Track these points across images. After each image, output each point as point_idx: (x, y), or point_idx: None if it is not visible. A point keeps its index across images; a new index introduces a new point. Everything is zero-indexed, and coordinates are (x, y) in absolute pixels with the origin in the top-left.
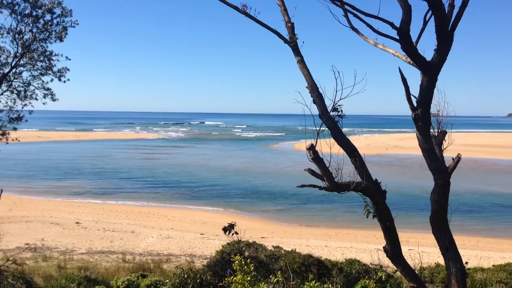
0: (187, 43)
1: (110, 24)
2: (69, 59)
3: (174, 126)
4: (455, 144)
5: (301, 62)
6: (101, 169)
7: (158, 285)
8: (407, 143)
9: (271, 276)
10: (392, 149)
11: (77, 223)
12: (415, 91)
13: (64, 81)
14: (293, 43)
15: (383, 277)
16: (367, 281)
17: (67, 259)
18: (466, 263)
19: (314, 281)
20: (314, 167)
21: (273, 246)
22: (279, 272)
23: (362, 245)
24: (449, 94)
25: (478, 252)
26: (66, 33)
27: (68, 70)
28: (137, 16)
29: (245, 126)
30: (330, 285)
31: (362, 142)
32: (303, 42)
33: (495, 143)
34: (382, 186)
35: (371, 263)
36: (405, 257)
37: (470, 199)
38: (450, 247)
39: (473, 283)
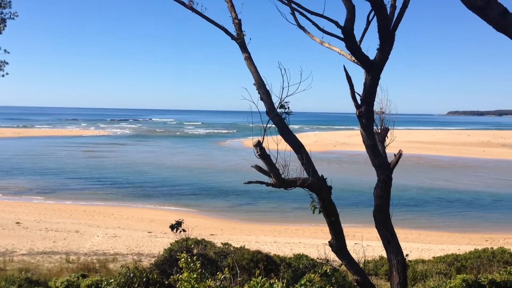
0: (136, 38)
1: (53, 19)
2: (8, 52)
3: (121, 123)
4: (400, 141)
5: (249, 59)
6: (43, 167)
7: (100, 285)
8: (354, 140)
9: (218, 273)
10: (340, 146)
11: (17, 223)
12: (360, 89)
13: (3, 75)
14: (240, 40)
15: (328, 270)
16: (312, 275)
17: (6, 260)
18: (407, 255)
19: (260, 277)
20: (261, 163)
21: (222, 243)
22: (226, 268)
23: (310, 240)
24: (393, 93)
25: (420, 244)
26: (5, 25)
27: (7, 63)
28: (86, 12)
29: (195, 123)
30: (276, 280)
31: (311, 139)
32: (250, 39)
33: (436, 140)
34: (329, 182)
35: (318, 258)
36: (351, 251)
37: (413, 194)
38: (392, 240)
39: (415, 274)
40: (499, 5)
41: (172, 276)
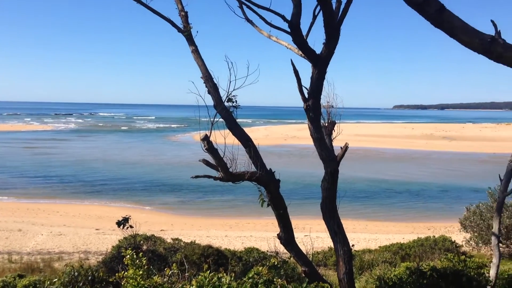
0: (82, 29)
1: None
2: None
3: (66, 117)
4: (348, 134)
5: (196, 52)
6: None
7: (38, 285)
8: (304, 134)
9: (166, 269)
10: (290, 140)
11: None
12: (307, 83)
13: None
14: (187, 32)
15: (276, 263)
16: (260, 268)
17: None
18: (353, 245)
19: (209, 272)
20: (209, 158)
21: (172, 239)
22: (174, 264)
23: (261, 233)
24: (342, 87)
25: (367, 235)
26: None
27: None
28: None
29: (144, 117)
30: (224, 274)
31: (262, 133)
32: (197, 31)
33: (383, 133)
34: (279, 175)
35: (268, 251)
36: (301, 243)
37: (361, 186)
38: (338, 231)
39: (362, 264)
40: (437, 2)
41: (117, 274)
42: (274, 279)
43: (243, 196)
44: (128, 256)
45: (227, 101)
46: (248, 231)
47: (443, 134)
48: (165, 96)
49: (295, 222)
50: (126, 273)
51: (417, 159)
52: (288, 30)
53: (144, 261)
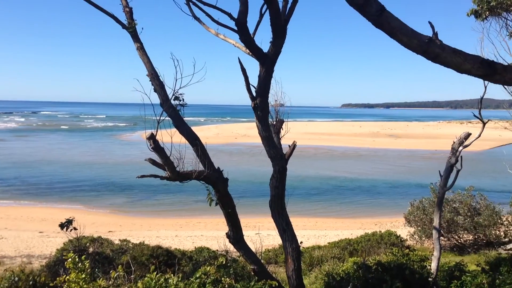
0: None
1: None
2: None
3: (8, 116)
4: (298, 133)
5: (141, 49)
6: None
7: None
8: (255, 132)
9: (111, 271)
10: (241, 138)
11: None
12: (255, 81)
13: None
14: (131, 29)
15: (225, 262)
16: (208, 268)
17: None
18: (301, 242)
19: (155, 273)
20: (156, 157)
21: (120, 240)
22: (120, 266)
23: (212, 232)
24: (293, 86)
25: (317, 231)
26: None
27: None
28: None
29: (91, 116)
30: (172, 275)
31: (212, 131)
32: (142, 28)
33: (332, 131)
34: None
35: (217, 250)
36: (252, 241)
37: (311, 183)
38: (287, 229)
39: (311, 260)
40: (377, 3)
41: (58, 278)
42: (222, 278)
43: (194, 195)
44: (70, 259)
45: (174, 99)
46: (199, 230)
47: (389, 132)
48: (117, 94)
49: (247, 221)
50: (68, 277)
51: (365, 156)
52: (235, 28)
53: (87, 264)
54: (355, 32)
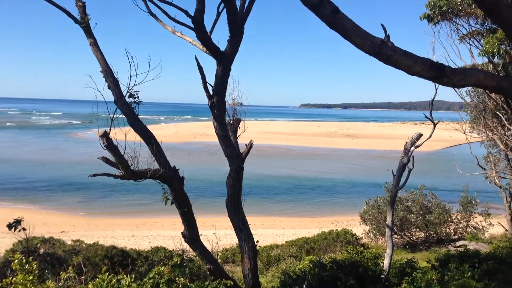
0: None
1: None
2: None
3: None
4: (258, 132)
5: (94, 45)
6: None
7: None
8: (214, 131)
9: (61, 273)
10: (199, 137)
11: None
12: (213, 79)
13: None
14: (84, 24)
15: (179, 261)
16: (162, 268)
17: None
18: (258, 241)
19: (107, 273)
20: (110, 155)
21: (73, 240)
22: (70, 267)
23: (170, 232)
24: (252, 86)
25: (274, 230)
26: None
27: None
28: None
29: (46, 113)
30: (124, 275)
31: (171, 130)
32: (96, 23)
33: (291, 131)
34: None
35: (174, 250)
36: (209, 240)
37: (270, 183)
38: (243, 228)
39: (269, 259)
40: (331, 4)
41: (4, 280)
42: (177, 278)
43: (152, 194)
44: (17, 260)
45: (129, 97)
46: (156, 230)
47: (346, 132)
48: (74, 91)
49: (204, 220)
50: (14, 278)
51: (323, 156)
52: (192, 26)
53: (35, 265)
54: (313, 33)
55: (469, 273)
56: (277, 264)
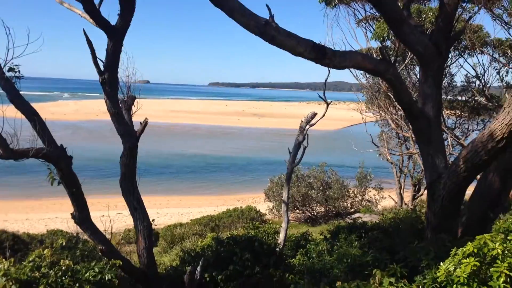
0: None
1: None
2: None
3: None
4: (165, 110)
5: None
6: None
7: None
8: None
9: None
10: (102, 115)
11: None
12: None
13: None
14: None
15: (63, 243)
16: (44, 250)
17: None
18: (153, 220)
19: None
20: None
21: None
22: None
23: (68, 214)
24: (158, 63)
25: (180, 209)
26: None
27: None
28: None
29: None
30: (3, 260)
31: (71, 107)
32: None
33: (199, 109)
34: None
35: (72, 232)
36: (102, 221)
37: (175, 162)
38: (138, 207)
39: (173, 238)
40: None
41: None
42: (61, 261)
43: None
44: None
45: (8, 71)
46: (54, 212)
47: (254, 111)
48: None
49: (98, 200)
50: None
51: (232, 134)
52: None
53: None
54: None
55: (355, 243)
56: (181, 242)
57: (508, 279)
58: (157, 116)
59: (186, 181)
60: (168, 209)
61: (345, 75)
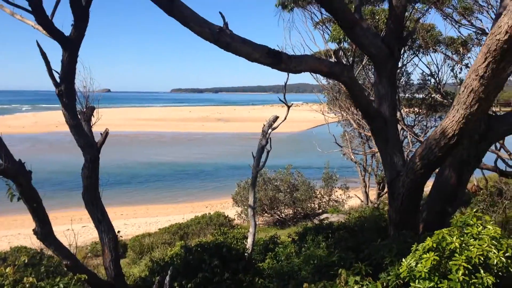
0: None
1: None
2: None
3: None
4: (128, 119)
5: None
6: None
7: None
8: None
9: None
10: (62, 126)
11: None
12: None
13: None
14: None
15: (26, 260)
16: (5, 269)
17: None
18: (119, 232)
19: None
20: None
21: None
22: None
23: (31, 230)
24: (117, 70)
25: (148, 219)
26: None
27: None
28: None
29: None
30: None
31: (30, 119)
32: None
33: (161, 116)
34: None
35: (37, 248)
36: (66, 235)
37: (140, 171)
38: (102, 219)
39: (142, 248)
40: None
41: None
42: (25, 278)
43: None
44: None
45: None
46: (16, 228)
47: (218, 116)
48: None
49: (63, 214)
50: None
51: (197, 141)
52: (29, 8)
53: None
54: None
55: (323, 243)
56: (150, 252)
57: (467, 272)
58: (120, 125)
59: (153, 190)
60: (135, 219)
61: (307, 77)
